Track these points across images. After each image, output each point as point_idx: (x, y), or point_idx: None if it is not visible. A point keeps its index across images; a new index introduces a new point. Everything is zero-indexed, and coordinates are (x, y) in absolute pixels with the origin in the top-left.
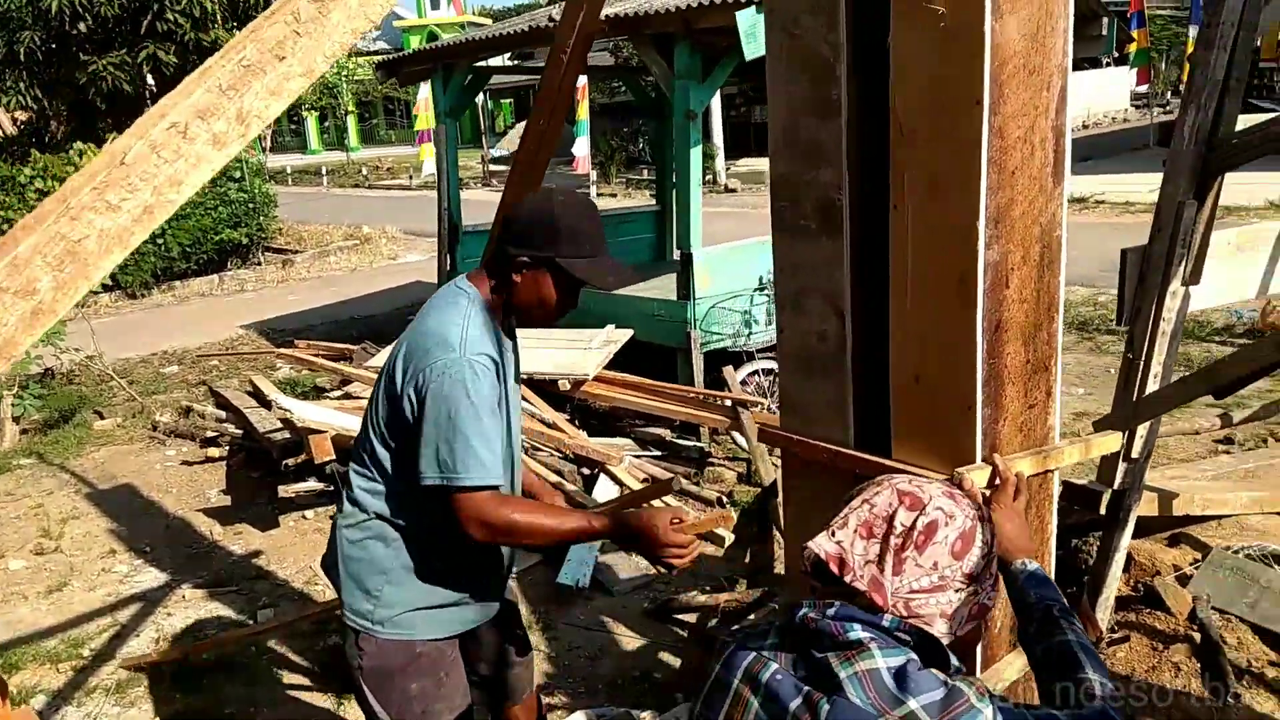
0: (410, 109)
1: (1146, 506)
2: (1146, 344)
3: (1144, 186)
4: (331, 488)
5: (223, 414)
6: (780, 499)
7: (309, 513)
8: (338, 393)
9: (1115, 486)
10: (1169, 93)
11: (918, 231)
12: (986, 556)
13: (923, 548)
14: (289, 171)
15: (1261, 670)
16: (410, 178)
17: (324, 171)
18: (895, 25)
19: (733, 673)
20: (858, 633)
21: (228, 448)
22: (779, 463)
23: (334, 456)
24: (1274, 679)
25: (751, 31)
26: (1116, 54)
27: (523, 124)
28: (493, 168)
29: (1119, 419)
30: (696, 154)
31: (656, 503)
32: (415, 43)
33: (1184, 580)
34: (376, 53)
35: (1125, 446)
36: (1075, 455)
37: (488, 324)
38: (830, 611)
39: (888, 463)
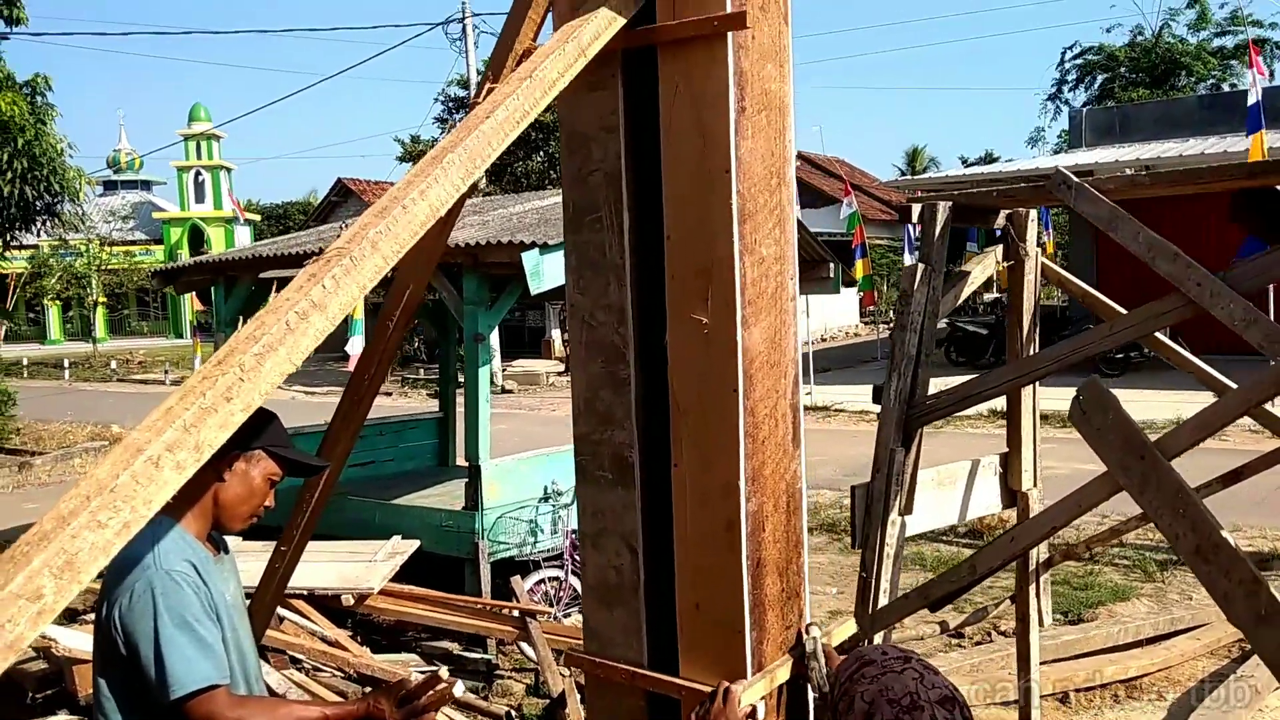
0: (170, 301)
1: None
2: (876, 565)
3: None
4: None
5: None
6: (567, 709)
7: None
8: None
9: None
10: (891, 310)
11: (693, 486)
12: None
13: None
14: (25, 363)
15: None
16: (166, 372)
17: (66, 364)
18: (670, 327)
19: None
20: None
21: None
22: (567, 672)
23: None
24: None
25: (535, 270)
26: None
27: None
28: None
29: (860, 630)
30: (485, 372)
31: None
32: (176, 234)
33: None
34: (133, 243)
35: None
36: None
37: (182, 538)
38: None
39: (677, 681)
